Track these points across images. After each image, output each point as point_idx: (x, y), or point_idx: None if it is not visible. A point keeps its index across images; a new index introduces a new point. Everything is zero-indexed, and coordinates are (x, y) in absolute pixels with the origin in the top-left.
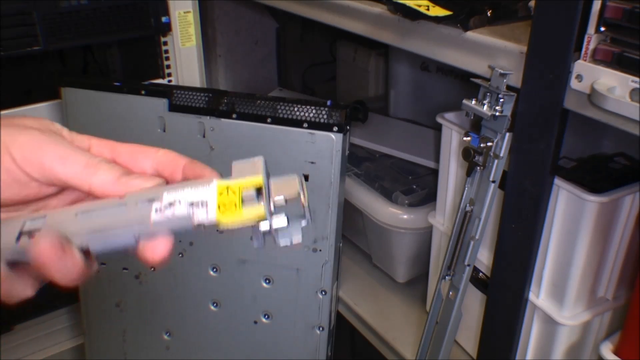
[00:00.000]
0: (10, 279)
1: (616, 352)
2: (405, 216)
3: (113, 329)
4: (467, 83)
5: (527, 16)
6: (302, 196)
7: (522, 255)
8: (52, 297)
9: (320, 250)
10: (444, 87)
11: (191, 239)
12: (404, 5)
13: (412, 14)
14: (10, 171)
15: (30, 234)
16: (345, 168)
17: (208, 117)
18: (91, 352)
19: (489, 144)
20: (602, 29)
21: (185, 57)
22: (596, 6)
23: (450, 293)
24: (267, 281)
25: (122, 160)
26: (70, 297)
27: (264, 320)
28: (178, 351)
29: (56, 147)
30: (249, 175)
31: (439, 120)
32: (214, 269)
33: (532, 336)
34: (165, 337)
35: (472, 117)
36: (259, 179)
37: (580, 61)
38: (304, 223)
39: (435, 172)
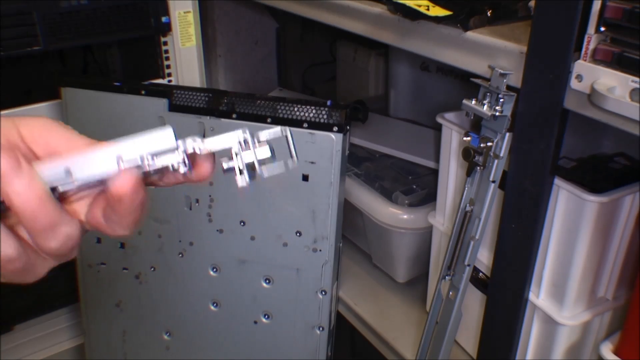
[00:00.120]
0: (30, 255)
1: (616, 352)
2: (405, 216)
3: (113, 329)
4: (467, 83)
5: (527, 16)
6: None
7: (522, 255)
8: (52, 297)
9: (320, 250)
10: (444, 87)
11: (191, 239)
12: (404, 5)
13: (412, 14)
14: (17, 147)
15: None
16: (345, 168)
17: (208, 117)
18: (91, 352)
19: (489, 144)
20: (602, 29)
21: (185, 57)
22: (596, 6)
23: (450, 293)
24: (267, 281)
25: None
26: (70, 297)
27: (264, 320)
28: (178, 351)
29: (63, 130)
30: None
31: (439, 120)
32: (214, 269)
33: (532, 336)
34: (165, 337)
35: (472, 117)
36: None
37: (580, 61)
38: (290, 164)
39: (435, 172)
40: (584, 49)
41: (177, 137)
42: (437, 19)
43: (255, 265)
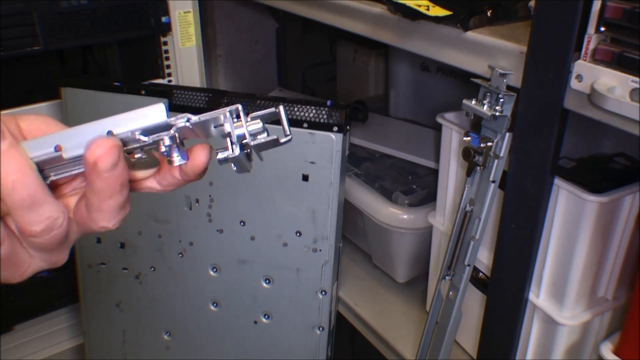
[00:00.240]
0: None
1: (616, 352)
2: (405, 216)
3: (113, 329)
4: (467, 83)
5: (527, 16)
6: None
7: (522, 255)
8: (52, 297)
9: (320, 250)
10: (444, 87)
11: (191, 239)
12: (404, 5)
13: (412, 14)
14: (16, 142)
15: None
16: (345, 168)
17: None
18: (91, 352)
19: (489, 144)
20: (602, 29)
21: (185, 57)
22: (596, 6)
23: (450, 293)
24: (267, 281)
25: None
26: (70, 297)
27: (264, 320)
28: (178, 351)
29: (61, 126)
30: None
31: (439, 120)
32: (214, 269)
33: (532, 336)
34: (165, 337)
35: (472, 117)
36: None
37: (580, 61)
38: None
39: (435, 172)
40: (584, 49)
41: (169, 113)
42: (437, 19)
43: (255, 265)
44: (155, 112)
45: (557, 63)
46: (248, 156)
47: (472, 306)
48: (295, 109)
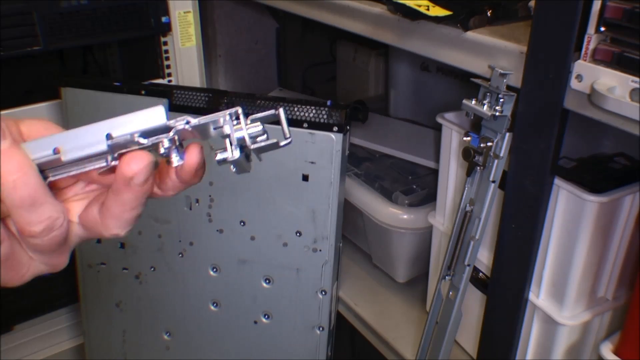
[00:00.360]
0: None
1: (616, 352)
2: (405, 216)
3: (113, 329)
4: (467, 83)
5: (527, 16)
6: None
7: (522, 255)
8: (52, 297)
9: (320, 250)
10: (444, 87)
11: (191, 239)
12: (404, 5)
13: (412, 14)
14: (17, 142)
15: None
16: (345, 168)
17: None
18: (91, 352)
19: (489, 144)
20: (602, 29)
21: (185, 57)
22: (596, 6)
23: (450, 293)
24: (267, 281)
25: None
26: (70, 297)
27: (264, 320)
28: (178, 351)
29: (61, 130)
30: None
31: (439, 120)
32: (214, 269)
33: (532, 336)
34: (165, 337)
35: (472, 117)
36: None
37: (580, 61)
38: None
39: (435, 172)
40: (584, 49)
41: (168, 116)
42: (437, 19)
43: (255, 265)
44: (154, 115)
45: (557, 63)
46: (247, 157)
47: (472, 306)
48: (295, 109)
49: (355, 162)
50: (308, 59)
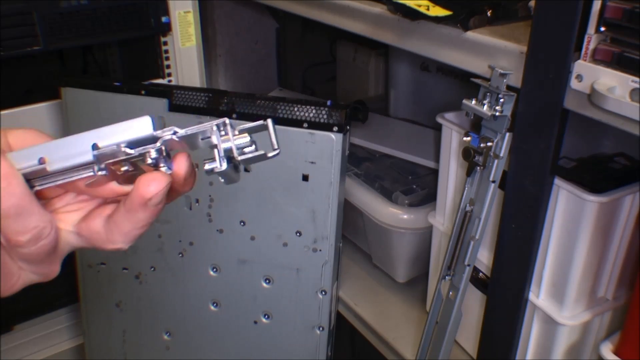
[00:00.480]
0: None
1: (616, 352)
2: (405, 216)
3: (113, 329)
4: (467, 83)
5: (527, 16)
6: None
7: (522, 255)
8: (52, 297)
9: (320, 250)
10: (444, 87)
11: (191, 239)
12: (404, 5)
13: (412, 14)
14: (3, 152)
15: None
16: (345, 168)
17: (208, 117)
18: (91, 352)
19: (489, 144)
20: (602, 29)
21: (185, 57)
22: (596, 6)
23: (450, 293)
24: (267, 281)
25: None
26: (70, 297)
27: (264, 320)
28: (178, 351)
29: (50, 139)
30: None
31: (439, 120)
32: (214, 269)
33: (532, 336)
34: (165, 337)
35: (472, 117)
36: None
37: (580, 61)
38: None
39: (435, 172)
40: (584, 49)
41: (155, 126)
42: (437, 19)
43: (255, 265)
44: (141, 125)
45: (557, 63)
46: (236, 168)
47: (472, 306)
48: (295, 109)
49: (355, 162)
50: (308, 59)
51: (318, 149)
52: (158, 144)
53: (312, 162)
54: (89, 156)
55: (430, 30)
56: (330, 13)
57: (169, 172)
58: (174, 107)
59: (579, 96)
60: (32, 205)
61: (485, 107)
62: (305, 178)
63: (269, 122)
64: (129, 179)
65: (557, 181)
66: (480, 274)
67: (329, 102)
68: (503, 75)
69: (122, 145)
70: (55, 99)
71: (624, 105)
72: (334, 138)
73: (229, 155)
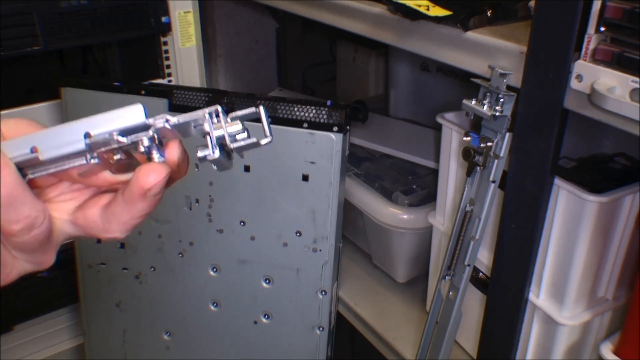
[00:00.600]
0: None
1: (616, 352)
2: (405, 216)
3: (113, 329)
4: (467, 83)
5: (527, 16)
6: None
7: (522, 255)
8: (52, 297)
9: (320, 250)
10: (444, 87)
11: (191, 239)
12: (404, 5)
13: (412, 14)
14: None
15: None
16: (345, 168)
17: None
18: (91, 352)
19: (489, 144)
20: (602, 29)
21: (185, 57)
22: (596, 6)
23: (450, 293)
24: (267, 281)
25: None
26: (70, 297)
27: (264, 320)
28: (178, 351)
29: (43, 128)
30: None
31: (439, 120)
32: (214, 269)
33: (532, 336)
34: (165, 337)
35: (472, 117)
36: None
37: (580, 61)
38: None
39: (435, 172)
40: (584, 49)
41: (147, 114)
42: (437, 19)
43: (255, 265)
44: (133, 113)
45: (557, 63)
46: (228, 155)
47: (472, 306)
48: (295, 109)
49: (355, 162)
50: (308, 59)
51: (318, 149)
52: (150, 132)
53: (312, 162)
54: (81, 145)
55: (430, 30)
56: (330, 13)
57: (162, 159)
58: (174, 107)
59: (579, 96)
60: (24, 194)
61: (485, 107)
62: (305, 178)
63: (261, 109)
64: (122, 168)
65: (557, 181)
66: (480, 274)
67: (329, 102)
68: (503, 75)
69: (115, 133)
70: (55, 99)
71: (624, 105)
72: (334, 138)
73: (221, 143)
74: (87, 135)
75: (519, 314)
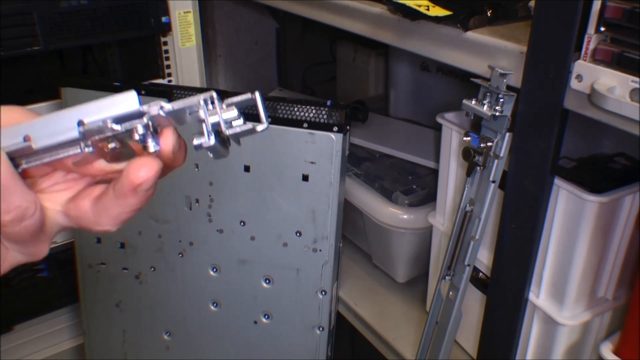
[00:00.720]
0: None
1: (616, 352)
2: (405, 216)
3: (113, 329)
4: (467, 83)
5: (527, 16)
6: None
7: (522, 255)
8: (52, 297)
9: (320, 250)
10: (444, 87)
11: (191, 239)
12: (404, 5)
13: (412, 14)
14: None
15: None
16: (345, 168)
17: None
18: (91, 352)
19: (489, 144)
20: (602, 29)
21: (185, 57)
22: (596, 6)
23: (450, 293)
24: (267, 281)
25: None
26: (70, 297)
27: (264, 320)
28: (178, 351)
29: (35, 117)
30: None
31: (439, 120)
32: (214, 269)
33: (532, 336)
34: (165, 337)
35: (472, 117)
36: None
37: (580, 61)
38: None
39: (435, 172)
40: (584, 49)
41: (141, 102)
42: (437, 19)
43: (255, 265)
44: (127, 100)
45: (557, 63)
46: (224, 142)
47: (472, 306)
48: (295, 109)
49: (355, 162)
50: (308, 59)
51: (318, 149)
52: (145, 119)
53: (312, 162)
54: (74, 133)
55: (430, 30)
56: (330, 13)
57: (157, 148)
58: None
59: (579, 96)
60: (15, 184)
61: (485, 107)
62: (305, 178)
63: (257, 94)
64: (117, 157)
65: (557, 181)
66: (480, 274)
67: (329, 102)
68: (503, 75)
69: (109, 121)
70: (55, 99)
71: (624, 105)
72: (334, 138)
73: (217, 130)
74: (80, 123)
75: (519, 314)
